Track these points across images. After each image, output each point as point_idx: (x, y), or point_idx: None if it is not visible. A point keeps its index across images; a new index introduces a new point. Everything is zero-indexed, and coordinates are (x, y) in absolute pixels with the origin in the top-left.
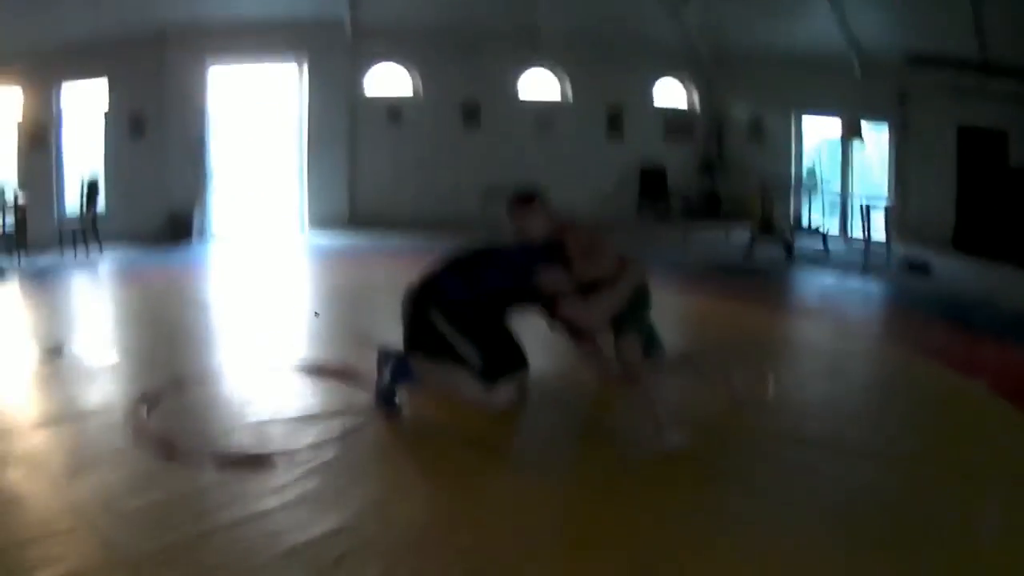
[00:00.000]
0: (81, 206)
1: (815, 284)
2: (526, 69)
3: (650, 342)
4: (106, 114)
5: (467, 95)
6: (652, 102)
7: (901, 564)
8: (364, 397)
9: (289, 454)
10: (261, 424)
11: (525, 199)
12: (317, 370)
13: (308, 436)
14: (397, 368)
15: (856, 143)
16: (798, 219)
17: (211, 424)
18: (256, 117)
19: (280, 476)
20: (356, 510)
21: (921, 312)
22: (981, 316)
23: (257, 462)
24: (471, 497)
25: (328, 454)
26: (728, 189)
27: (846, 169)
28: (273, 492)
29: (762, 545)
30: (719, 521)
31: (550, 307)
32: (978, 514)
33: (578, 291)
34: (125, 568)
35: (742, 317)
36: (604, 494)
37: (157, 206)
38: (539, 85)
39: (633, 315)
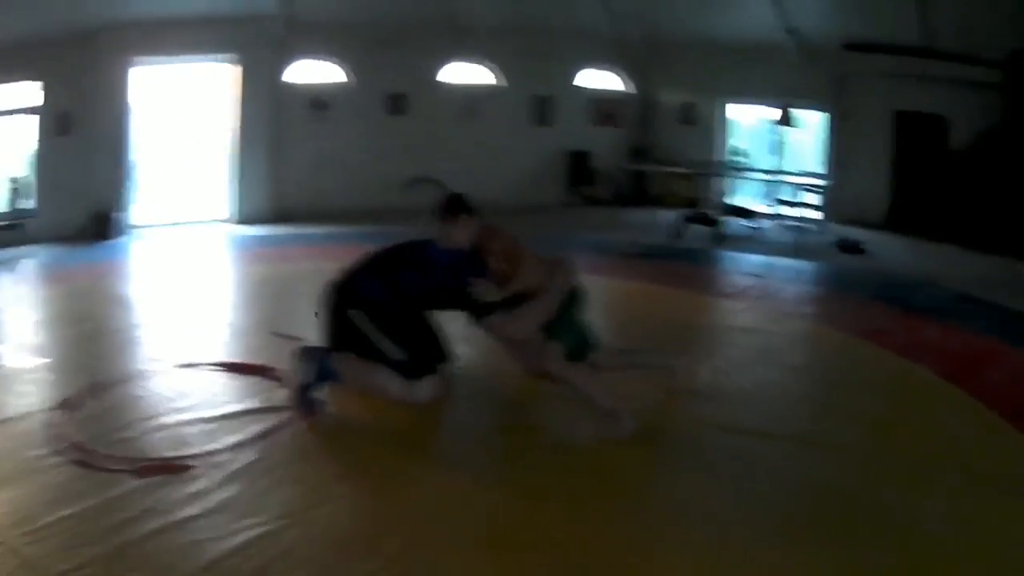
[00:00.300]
0: (9, 206)
1: (746, 265)
2: (453, 61)
3: (584, 342)
4: (35, 114)
5: (394, 85)
6: (581, 87)
7: (849, 555)
8: (284, 395)
9: (208, 457)
10: (180, 426)
11: (456, 211)
12: (237, 368)
13: (228, 438)
14: (318, 366)
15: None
16: (728, 200)
17: (130, 428)
18: (185, 113)
19: (200, 481)
20: (278, 515)
21: (856, 293)
22: (917, 296)
23: (176, 467)
24: (397, 499)
25: (248, 456)
26: (657, 172)
27: (778, 150)
28: (193, 499)
29: (701, 540)
30: (655, 516)
31: (474, 313)
32: (925, 503)
33: (507, 302)
34: None
35: (674, 301)
36: (535, 491)
37: (82, 204)
38: (466, 72)
39: (564, 319)
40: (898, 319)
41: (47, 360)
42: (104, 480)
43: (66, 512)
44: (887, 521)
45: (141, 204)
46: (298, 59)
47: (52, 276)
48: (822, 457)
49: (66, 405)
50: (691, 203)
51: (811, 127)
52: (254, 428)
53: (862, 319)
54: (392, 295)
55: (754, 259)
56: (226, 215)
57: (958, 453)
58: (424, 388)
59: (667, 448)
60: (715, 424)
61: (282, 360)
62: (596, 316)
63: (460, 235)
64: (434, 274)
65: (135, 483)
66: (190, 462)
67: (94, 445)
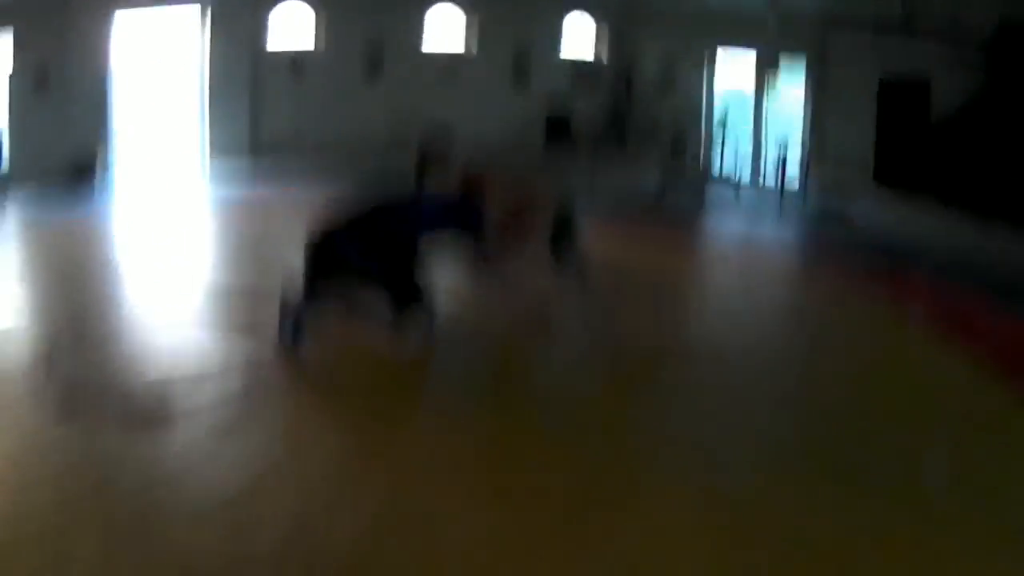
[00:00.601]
0: None
1: (729, 231)
2: (432, 5)
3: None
4: (11, 70)
5: (372, 38)
6: (559, 49)
7: (845, 507)
8: (265, 350)
9: (192, 412)
10: (162, 382)
11: (440, 152)
12: (216, 325)
13: (208, 393)
14: (295, 321)
15: (770, 85)
16: (709, 165)
17: (112, 384)
18: (159, 65)
19: (184, 435)
20: (263, 469)
21: (842, 257)
22: (913, 264)
23: (159, 421)
24: (382, 452)
25: (231, 411)
26: (637, 136)
27: (759, 116)
28: (178, 454)
29: (691, 490)
30: (642, 467)
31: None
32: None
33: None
34: (38, 538)
35: (660, 263)
36: (519, 440)
37: (61, 158)
38: (444, 31)
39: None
40: (888, 282)
41: (28, 317)
42: (89, 435)
43: (51, 466)
44: (895, 479)
45: (121, 158)
46: (272, 6)
47: (32, 233)
48: (819, 419)
49: (47, 360)
50: (673, 168)
51: (794, 94)
52: (235, 383)
53: (855, 284)
54: (376, 254)
55: (739, 226)
56: (203, 169)
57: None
58: (410, 335)
59: (658, 402)
60: (706, 384)
61: (259, 314)
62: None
63: (447, 177)
64: (421, 225)
65: (120, 437)
66: (174, 416)
67: (78, 401)
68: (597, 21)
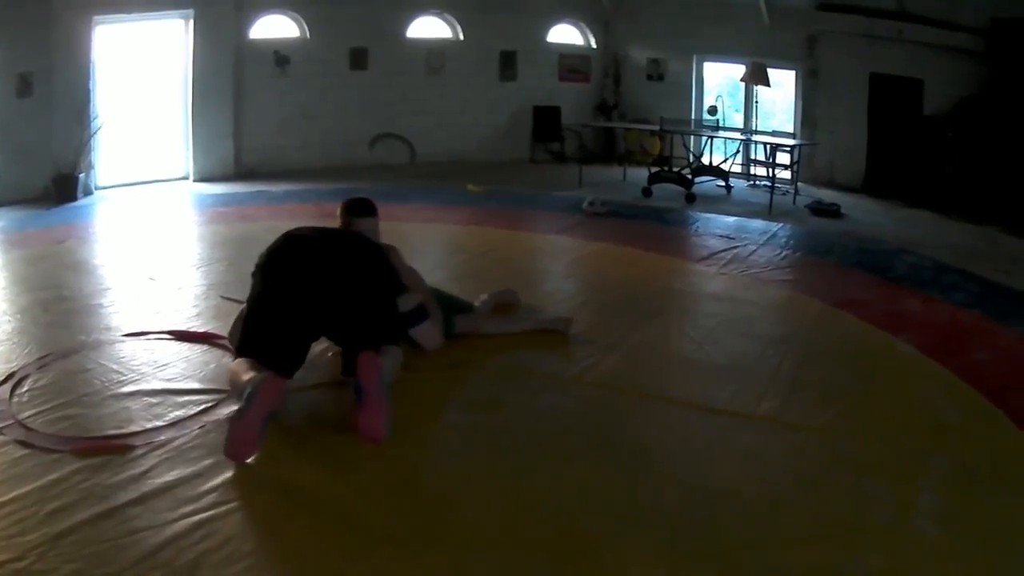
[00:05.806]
0: None
1: (718, 227)
2: (416, 17)
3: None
4: None
5: (355, 42)
6: (547, 42)
7: (825, 554)
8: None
9: (150, 435)
10: (124, 401)
11: (371, 208)
12: (185, 336)
13: (171, 413)
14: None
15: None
16: (698, 159)
17: (75, 404)
18: (143, 71)
19: (140, 462)
20: (216, 501)
21: (833, 258)
22: (895, 264)
23: (117, 447)
24: (346, 484)
25: (190, 434)
26: (625, 129)
27: (749, 108)
28: (131, 482)
29: (660, 544)
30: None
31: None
32: (912, 497)
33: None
34: None
35: (641, 264)
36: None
37: (44, 166)
38: (430, 27)
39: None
40: (876, 288)
41: None
42: (45, 462)
43: (6, 497)
44: (870, 517)
45: (104, 164)
46: (256, 15)
47: (10, 241)
48: (801, 442)
49: (12, 379)
50: (660, 161)
51: (784, 87)
52: (198, 401)
53: (839, 288)
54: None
55: (726, 220)
56: (187, 173)
57: (945, 438)
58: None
59: (631, 427)
60: (687, 402)
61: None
62: (560, 278)
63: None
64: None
65: (75, 464)
66: (131, 441)
67: (37, 422)
68: (580, 27)
